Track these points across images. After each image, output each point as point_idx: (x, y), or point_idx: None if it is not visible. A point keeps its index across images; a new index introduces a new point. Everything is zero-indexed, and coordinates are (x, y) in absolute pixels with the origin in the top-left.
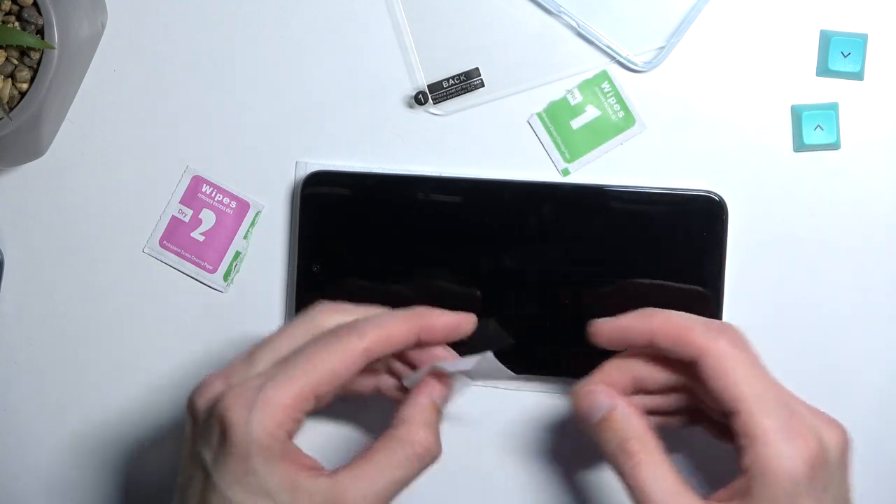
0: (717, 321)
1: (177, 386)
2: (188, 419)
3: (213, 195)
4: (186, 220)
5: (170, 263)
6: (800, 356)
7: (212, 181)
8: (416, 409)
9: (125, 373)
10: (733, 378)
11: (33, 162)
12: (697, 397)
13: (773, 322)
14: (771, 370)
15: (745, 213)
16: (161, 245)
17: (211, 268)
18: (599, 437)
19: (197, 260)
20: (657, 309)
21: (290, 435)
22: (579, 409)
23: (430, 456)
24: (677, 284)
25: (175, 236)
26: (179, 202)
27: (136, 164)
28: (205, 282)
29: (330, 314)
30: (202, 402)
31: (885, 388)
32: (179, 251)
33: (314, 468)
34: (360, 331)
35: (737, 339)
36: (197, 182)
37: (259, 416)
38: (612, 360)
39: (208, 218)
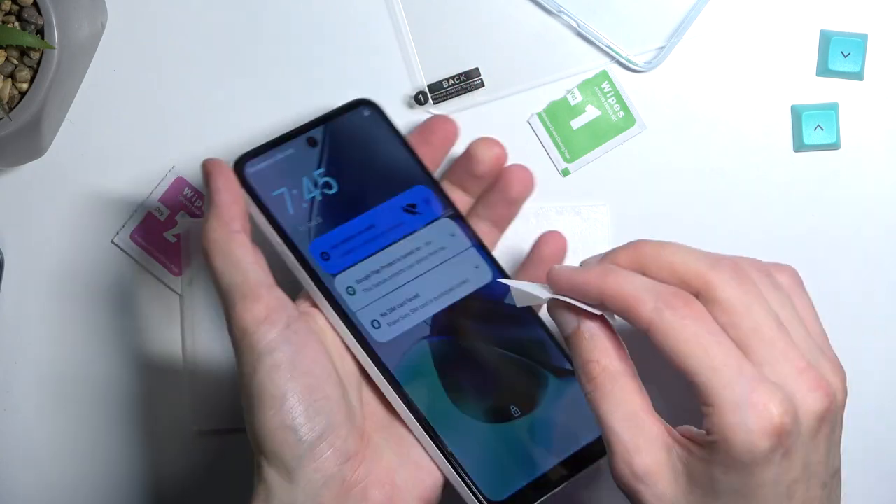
0: (666, 287)
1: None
2: None
3: (192, 199)
4: (162, 218)
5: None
6: None
7: (195, 185)
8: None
9: (114, 372)
10: (684, 351)
11: (33, 162)
12: None
13: None
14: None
15: (746, 213)
16: (131, 239)
17: (177, 271)
18: (570, 351)
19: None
20: (612, 266)
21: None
22: (554, 320)
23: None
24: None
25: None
26: (158, 200)
27: (136, 165)
28: (168, 284)
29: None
30: None
31: (885, 388)
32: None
33: None
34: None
35: (690, 306)
36: (179, 184)
37: None
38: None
39: (184, 221)
